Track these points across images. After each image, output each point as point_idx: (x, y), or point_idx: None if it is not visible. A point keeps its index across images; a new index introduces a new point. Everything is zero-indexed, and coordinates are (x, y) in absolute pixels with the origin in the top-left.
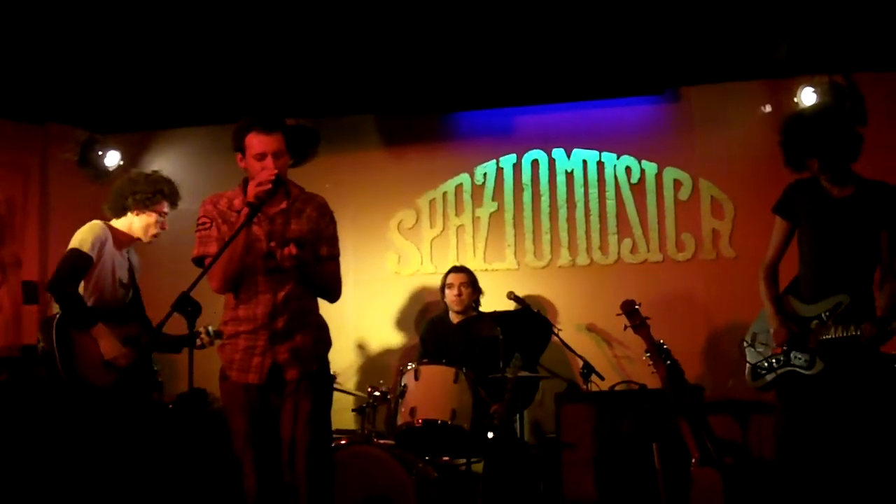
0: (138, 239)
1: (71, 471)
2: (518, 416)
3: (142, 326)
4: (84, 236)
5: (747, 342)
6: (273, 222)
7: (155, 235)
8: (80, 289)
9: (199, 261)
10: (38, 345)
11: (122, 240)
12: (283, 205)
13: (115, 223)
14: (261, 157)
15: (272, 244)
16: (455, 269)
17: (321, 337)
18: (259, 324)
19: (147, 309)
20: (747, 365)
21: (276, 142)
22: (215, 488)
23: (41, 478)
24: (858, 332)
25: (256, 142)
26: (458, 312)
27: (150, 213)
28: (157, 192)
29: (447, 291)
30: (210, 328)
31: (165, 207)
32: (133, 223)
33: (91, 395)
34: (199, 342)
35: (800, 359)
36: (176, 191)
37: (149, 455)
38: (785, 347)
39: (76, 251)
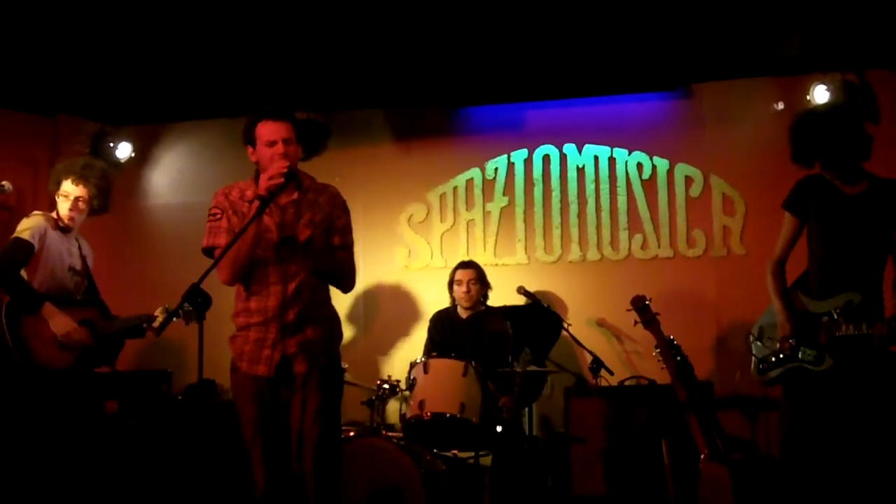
0: (67, 222)
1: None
2: (527, 410)
3: (100, 311)
4: (25, 225)
5: (754, 336)
6: (284, 212)
7: (69, 218)
8: (29, 277)
9: (209, 251)
10: None
11: (61, 225)
12: (295, 195)
13: (56, 210)
14: (271, 144)
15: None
16: (463, 265)
17: (332, 329)
18: (270, 316)
19: (157, 301)
20: (753, 359)
21: (285, 129)
22: (224, 479)
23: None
24: (869, 331)
25: (266, 130)
26: (466, 308)
27: (60, 196)
28: (64, 172)
29: (456, 288)
30: (165, 307)
31: (67, 186)
32: (59, 206)
33: (48, 380)
34: (155, 324)
35: (808, 354)
36: (82, 168)
37: (157, 445)
38: (792, 342)
39: (17, 238)
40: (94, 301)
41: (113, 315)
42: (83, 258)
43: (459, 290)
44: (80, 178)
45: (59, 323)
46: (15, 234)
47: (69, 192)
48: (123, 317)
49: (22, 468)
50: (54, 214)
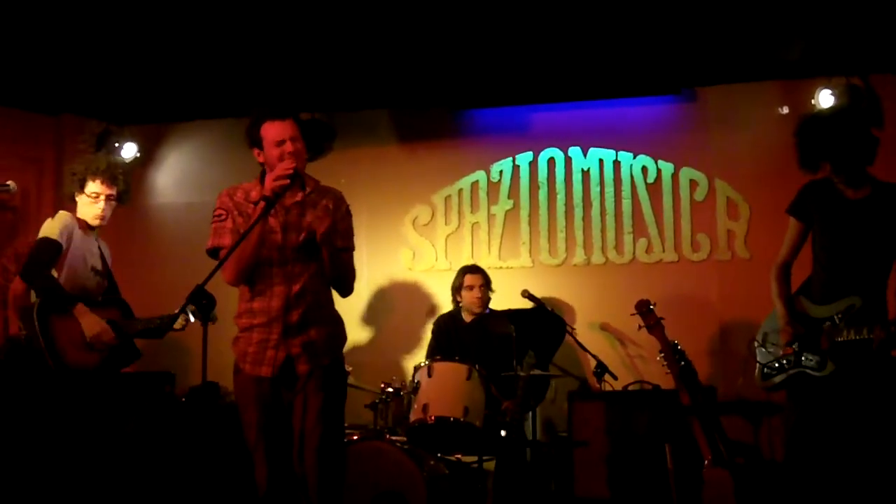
0: (98, 222)
1: (62, 463)
2: (530, 414)
3: (122, 311)
4: (52, 225)
5: (758, 342)
6: (288, 213)
7: (98, 218)
8: (55, 276)
9: (213, 252)
10: (20, 334)
11: (84, 226)
12: (299, 196)
13: (77, 210)
14: (280, 143)
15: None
16: (471, 270)
17: (335, 331)
18: (273, 316)
19: (161, 301)
20: (757, 364)
21: (291, 127)
22: (227, 480)
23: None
24: (871, 336)
25: (273, 130)
26: (473, 312)
27: (83, 195)
28: (86, 170)
29: (466, 293)
30: (188, 311)
31: (96, 186)
32: (80, 208)
33: (76, 380)
34: (179, 324)
35: (811, 360)
36: (107, 168)
37: (160, 447)
38: (795, 348)
39: (45, 239)
40: (116, 301)
41: (134, 315)
42: (103, 258)
43: (471, 295)
44: (108, 178)
45: (90, 323)
46: (42, 234)
47: (99, 192)
48: (145, 317)
49: (46, 470)
50: (78, 212)
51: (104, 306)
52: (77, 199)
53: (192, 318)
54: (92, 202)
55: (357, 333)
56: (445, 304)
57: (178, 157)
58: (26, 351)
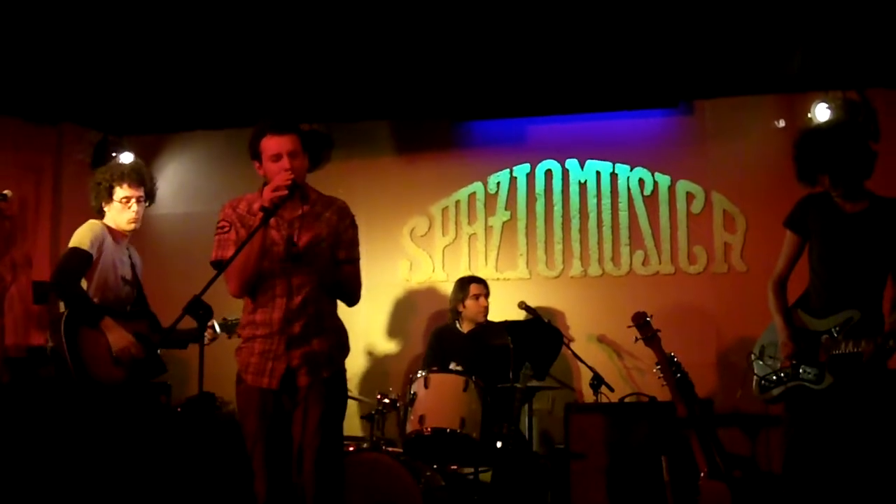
0: (126, 231)
1: (76, 473)
2: (527, 425)
3: (150, 323)
4: (83, 234)
5: (755, 355)
6: (291, 226)
7: (133, 222)
8: (84, 287)
9: (217, 264)
10: (47, 344)
11: (116, 236)
12: (301, 209)
13: (106, 221)
14: (276, 157)
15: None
16: (475, 280)
17: (338, 342)
18: (275, 328)
19: (159, 312)
20: (755, 377)
21: (290, 142)
22: (224, 491)
23: (45, 480)
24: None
25: (271, 144)
26: (474, 322)
27: (112, 202)
28: (113, 177)
29: (471, 302)
30: (216, 323)
31: (125, 191)
32: (111, 216)
33: (100, 393)
34: (207, 338)
35: (808, 373)
36: (137, 172)
37: (158, 458)
38: (793, 361)
39: (76, 249)
40: (144, 313)
41: (162, 328)
42: (133, 267)
43: (477, 305)
44: (135, 179)
45: (117, 337)
46: (72, 244)
47: (129, 195)
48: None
49: (49, 479)
50: (109, 222)
51: (132, 318)
52: (106, 208)
53: (218, 330)
54: (123, 207)
55: (354, 344)
56: (442, 315)
57: (177, 168)
58: (51, 360)
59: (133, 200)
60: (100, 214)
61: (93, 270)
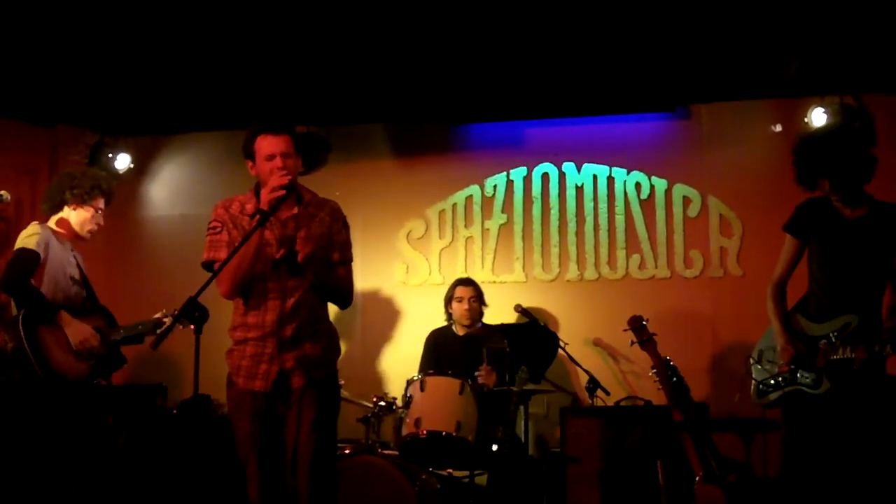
0: (76, 235)
1: (56, 472)
2: (523, 430)
3: (105, 319)
4: (28, 236)
5: (753, 359)
6: (285, 227)
7: (90, 231)
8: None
9: (208, 265)
10: (5, 346)
11: (63, 236)
12: (295, 210)
13: (53, 220)
14: (270, 157)
15: (281, 252)
16: (463, 282)
17: (330, 345)
18: (268, 331)
19: (153, 312)
20: (752, 382)
21: (284, 142)
22: (218, 494)
23: (24, 481)
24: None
25: (265, 144)
26: (464, 325)
27: (87, 208)
28: (95, 187)
29: (456, 305)
30: (164, 312)
31: (101, 203)
32: (70, 218)
33: (66, 389)
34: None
35: (806, 378)
36: (113, 189)
37: (152, 460)
38: (792, 366)
39: (23, 249)
40: (98, 309)
41: (118, 323)
42: (80, 267)
43: (460, 308)
44: (111, 195)
45: (76, 331)
46: (19, 245)
47: (102, 207)
48: (129, 324)
49: (36, 482)
50: (53, 225)
51: (88, 314)
52: (72, 209)
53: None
54: (94, 217)
55: (349, 347)
56: (439, 319)
57: (173, 169)
58: (13, 362)
59: (100, 212)
60: (54, 209)
61: (41, 271)
